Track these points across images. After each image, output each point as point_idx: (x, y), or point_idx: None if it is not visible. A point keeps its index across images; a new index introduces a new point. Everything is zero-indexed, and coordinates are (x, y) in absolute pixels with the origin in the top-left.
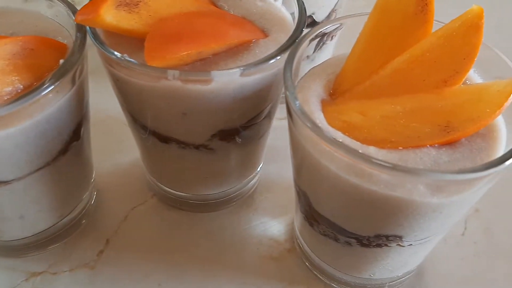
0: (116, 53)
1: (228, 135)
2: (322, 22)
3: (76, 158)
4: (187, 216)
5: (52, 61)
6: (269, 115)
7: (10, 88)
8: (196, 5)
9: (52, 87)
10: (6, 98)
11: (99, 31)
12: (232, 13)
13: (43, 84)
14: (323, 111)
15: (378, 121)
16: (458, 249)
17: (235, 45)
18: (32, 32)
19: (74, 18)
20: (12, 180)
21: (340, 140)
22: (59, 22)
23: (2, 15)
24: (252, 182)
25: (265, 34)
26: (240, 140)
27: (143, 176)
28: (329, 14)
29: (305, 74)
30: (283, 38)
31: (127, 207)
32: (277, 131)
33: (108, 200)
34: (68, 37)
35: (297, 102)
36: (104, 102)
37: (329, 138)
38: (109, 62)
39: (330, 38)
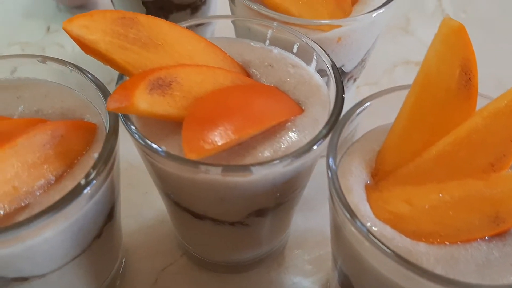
0: (153, 145)
1: (264, 211)
2: (351, 71)
3: (109, 236)
4: (217, 277)
5: (82, 145)
6: (305, 185)
7: (43, 182)
8: (229, 77)
9: (90, 187)
10: (38, 194)
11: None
12: (264, 81)
13: (80, 188)
14: (368, 199)
15: (426, 212)
16: None
17: (272, 126)
18: (58, 108)
19: (101, 93)
20: (47, 273)
21: (389, 243)
22: (86, 97)
23: (26, 87)
24: (284, 239)
25: (300, 108)
26: (275, 213)
27: (171, 232)
28: (358, 63)
29: (345, 152)
30: (320, 112)
31: (156, 268)
32: None
33: (137, 262)
34: (96, 115)
35: (338, 195)
36: (125, 151)
37: (376, 243)
38: (144, 150)
39: (353, 81)
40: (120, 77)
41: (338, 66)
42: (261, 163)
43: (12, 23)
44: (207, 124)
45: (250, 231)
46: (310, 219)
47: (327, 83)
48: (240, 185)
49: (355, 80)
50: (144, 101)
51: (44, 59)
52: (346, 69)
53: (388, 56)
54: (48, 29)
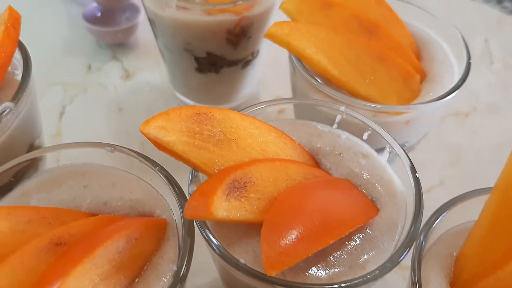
0: (233, 257)
1: None
2: (413, 144)
3: None
4: None
5: (153, 244)
6: None
7: None
8: (301, 171)
9: None
10: None
11: None
12: (334, 173)
13: None
14: None
15: None
16: None
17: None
18: (127, 200)
19: (171, 187)
20: None
21: None
22: (155, 188)
23: (93, 174)
24: None
25: (375, 207)
26: None
27: None
28: (422, 137)
29: (423, 257)
30: (396, 212)
31: None
32: None
33: None
34: (166, 209)
35: None
36: None
37: None
38: (219, 260)
39: (411, 150)
40: (194, 175)
41: (401, 143)
42: (342, 284)
43: (52, 61)
44: (286, 236)
45: None
46: None
47: (397, 173)
48: None
49: (413, 149)
50: (223, 209)
51: (114, 148)
52: (409, 144)
53: None
54: (89, 67)
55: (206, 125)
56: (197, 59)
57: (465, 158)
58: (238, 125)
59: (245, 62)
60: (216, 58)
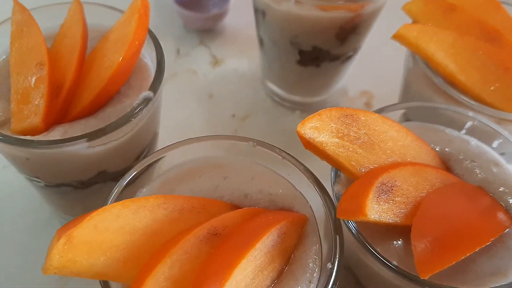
0: (387, 261)
1: None
2: None
3: None
4: None
5: (296, 238)
6: None
7: (268, 282)
8: (439, 177)
9: None
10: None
11: None
12: (467, 180)
13: None
14: None
15: None
16: None
17: None
18: (266, 194)
19: (313, 184)
20: None
21: None
22: (293, 184)
23: (232, 167)
24: None
25: (510, 215)
26: None
27: None
28: None
29: None
30: None
31: None
32: None
33: None
34: (305, 205)
35: None
36: None
37: None
38: (364, 256)
39: None
40: (338, 174)
41: None
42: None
43: None
44: (436, 242)
45: None
46: None
47: None
48: None
49: None
50: (375, 211)
51: (256, 144)
52: None
53: None
54: (178, 52)
55: (352, 127)
56: (301, 52)
57: None
58: (380, 128)
59: (346, 58)
60: (320, 52)
